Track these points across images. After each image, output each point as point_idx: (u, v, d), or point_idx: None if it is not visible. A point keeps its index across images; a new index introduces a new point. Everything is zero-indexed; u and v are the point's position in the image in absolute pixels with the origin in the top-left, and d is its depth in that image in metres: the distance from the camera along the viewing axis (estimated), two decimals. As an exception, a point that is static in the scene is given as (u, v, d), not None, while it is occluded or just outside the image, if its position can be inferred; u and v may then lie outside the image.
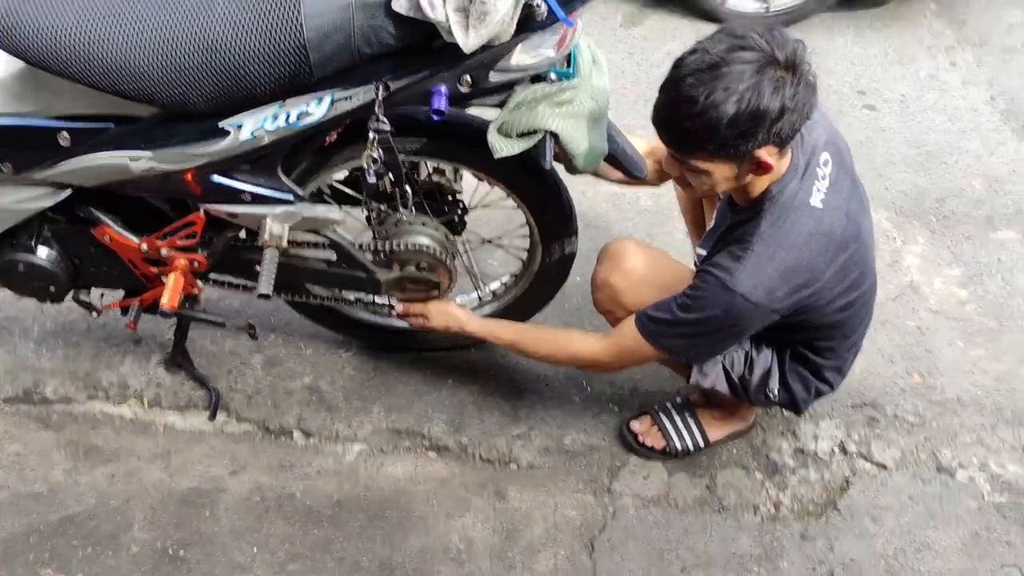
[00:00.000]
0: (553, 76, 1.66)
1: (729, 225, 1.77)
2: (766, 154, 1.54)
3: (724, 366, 1.95)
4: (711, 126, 1.48)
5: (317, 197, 2.00)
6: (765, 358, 1.95)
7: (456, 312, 2.07)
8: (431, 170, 2.04)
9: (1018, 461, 2.21)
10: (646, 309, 1.80)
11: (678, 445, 2.16)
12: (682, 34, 3.71)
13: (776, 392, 1.96)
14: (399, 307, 2.10)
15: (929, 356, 2.46)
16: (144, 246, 1.91)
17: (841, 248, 1.68)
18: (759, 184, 1.67)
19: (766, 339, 1.94)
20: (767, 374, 1.95)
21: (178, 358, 2.29)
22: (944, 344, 2.50)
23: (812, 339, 1.88)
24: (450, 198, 2.08)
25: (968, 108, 3.44)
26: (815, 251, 1.65)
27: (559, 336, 2.02)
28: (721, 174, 1.58)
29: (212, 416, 2.22)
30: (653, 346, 1.80)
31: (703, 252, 1.84)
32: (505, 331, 2.03)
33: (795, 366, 1.94)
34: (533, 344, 2.00)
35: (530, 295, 2.21)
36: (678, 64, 1.52)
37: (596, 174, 2.02)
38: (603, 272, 1.96)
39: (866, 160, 3.14)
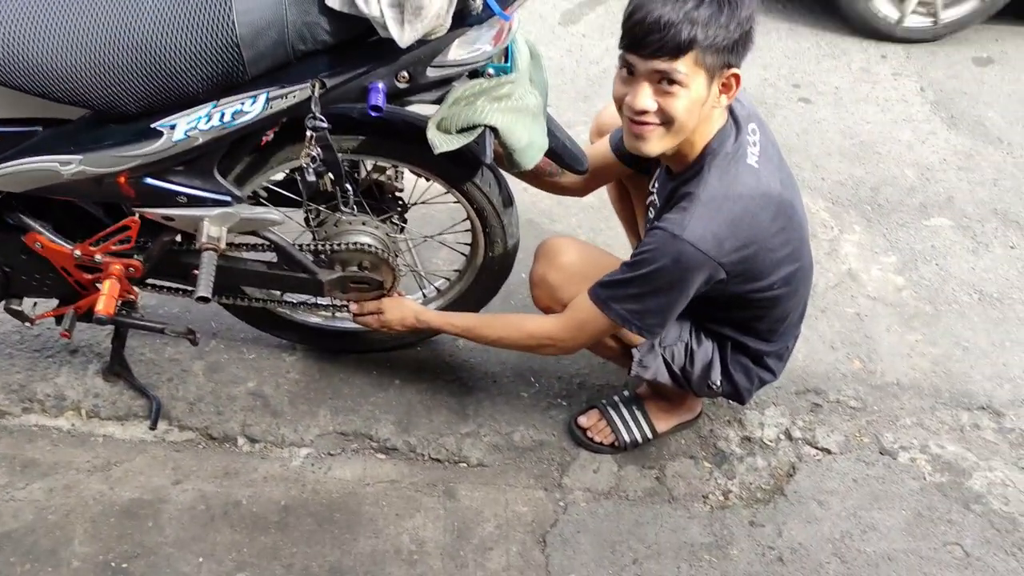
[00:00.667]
0: (491, 71, 1.66)
1: (672, 189, 1.78)
2: (735, 71, 1.60)
3: (664, 358, 1.96)
4: (722, 23, 1.52)
5: (254, 200, 1.97)
6: (705, 350, 1.97)
7: (410, 304, 2.07)
8: (370, 168, 2.02)
9: (956, 441, 2.26)
10: (599, 278, 1.80)
11: (626, 438, 2.17)
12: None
13: (719, 383, 1.98)
14: (353, 306, 2.08)
15: (869, 341, 2.52)
16: (78, 252, 1.86)
17: (780, 210, 1.71)
18: (700, 138, 1.69)
19: (707, 329, 1.96)
20: (708, 366, 1.97)
21: (116, 367, 2.23)
22: (883, 329, 2.55)
23: (753, 319, 1.89)
24: (391, 196, 2.06)
25: (899, 99, 3.52)
26: (758, 205, 1.68)
27: (513, 318, 2.04)
28: (696, 90, 1.57)
29: (153, 425, 2.17)
30: (605, 312, 1.78)
31: None
32: (459, 319, 2.03)
33: (736, 356, 1.97)
34: (488, 328, 2.00)
35: (475, 290, 2.21)
36: None
37: (528, 178, 2.04)
38: (540, 269, 1.97)
39: (803, 152, 3.20)
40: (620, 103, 1.64)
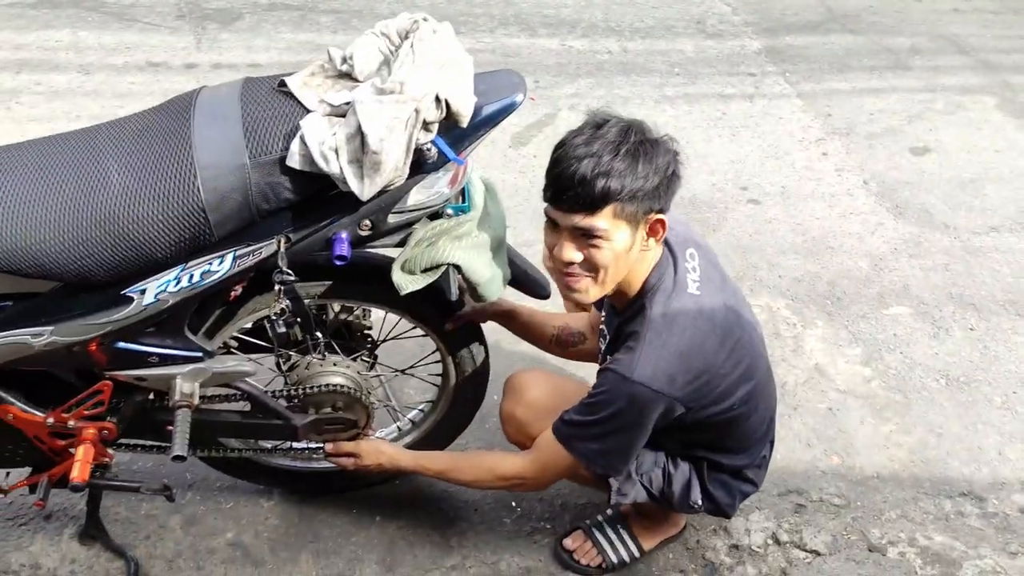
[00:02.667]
0: (450, 211, 1.72)
1: (618, 326, 1.81)
2: (659, 216, 1.63)
3: (643, 483, 1.96)
4: (639, 173, 1.56)
5: (223, 348, 1.98)
6: (683, 472, 1.97)
7: (387, 448, 2.06)
8: (338, 309, 2.05)
9: (943, 531, 2.26)
10: (561, 414, 1.82)
11: (614, 558, 2.15)
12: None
13: (699, 502, 1.98)
14: (329, 448, 2.07)
15: (844, 436, 2.54)
16: (50, 420, 1.84)
17: (727, 333, 1.74)
18: (637, 277, 1.72)
19: (681, 453, 1.96)
20: (687, 487, 1.96)
21: (92, 529, 2.18)
22: (856, 422, 2.58)
23: (719, 438, 1.90)
24: (359, 334, 2.09)
25: (844, 193, 3.65)
26: (704, 333, 1.70)
27: (485, 461, 2.04)
28: (619, 241, 1.60)
29: (132, 587, 2.12)
30: (569, 451, 1.80)
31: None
32: (434, 461, 2.03)
33: (714, 475, 1.97)
34: (460, 473, 2.00)
35: (449, 419, 2.21)
36: (569, 140, 1.60)
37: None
38: (508, 406, 2.02)
39: (758, 252, 3.28)
40: (551, 252, 1.68)
